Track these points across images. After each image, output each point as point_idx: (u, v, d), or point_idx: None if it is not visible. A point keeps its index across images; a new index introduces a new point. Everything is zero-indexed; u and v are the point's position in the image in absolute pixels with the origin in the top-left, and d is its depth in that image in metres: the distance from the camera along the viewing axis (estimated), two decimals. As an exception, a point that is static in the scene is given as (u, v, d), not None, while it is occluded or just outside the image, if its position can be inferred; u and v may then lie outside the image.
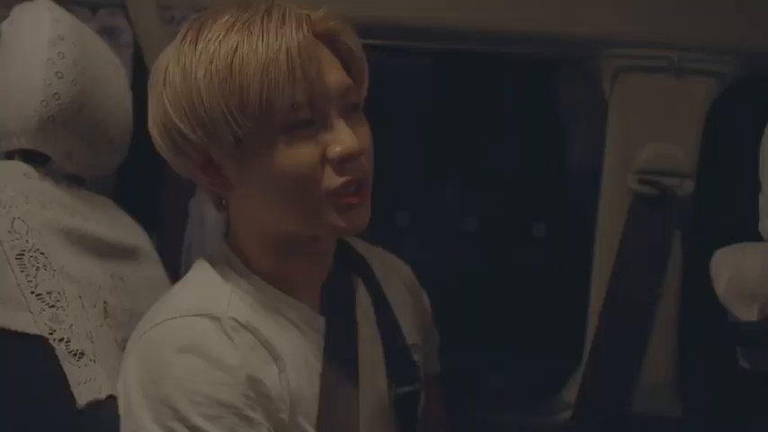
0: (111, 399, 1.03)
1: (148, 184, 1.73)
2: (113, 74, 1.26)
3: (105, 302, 1.14)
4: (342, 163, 0.99)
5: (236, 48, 0.96)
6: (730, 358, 1.40)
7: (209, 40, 0.98)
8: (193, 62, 0.98)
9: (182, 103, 0.99)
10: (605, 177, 1.70)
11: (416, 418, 1.19)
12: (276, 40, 0.96)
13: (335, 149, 0.99)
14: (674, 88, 1.63)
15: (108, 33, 1.64)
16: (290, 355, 1.05)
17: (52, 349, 1.01)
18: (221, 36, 0.97)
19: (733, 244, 1.43)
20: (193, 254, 1.65)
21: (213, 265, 1.10)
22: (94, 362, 1.04)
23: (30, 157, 1.17)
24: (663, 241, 1.66)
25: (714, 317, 1.44)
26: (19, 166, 1.15)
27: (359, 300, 1.18)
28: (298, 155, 0.99)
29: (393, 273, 1.28)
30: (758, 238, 1.23)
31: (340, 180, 1.00)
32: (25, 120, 1.13)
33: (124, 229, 1.30)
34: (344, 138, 0.99)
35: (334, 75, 1.01)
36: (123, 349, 1.11)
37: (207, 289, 1.06)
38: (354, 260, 1.22)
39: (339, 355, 1.10)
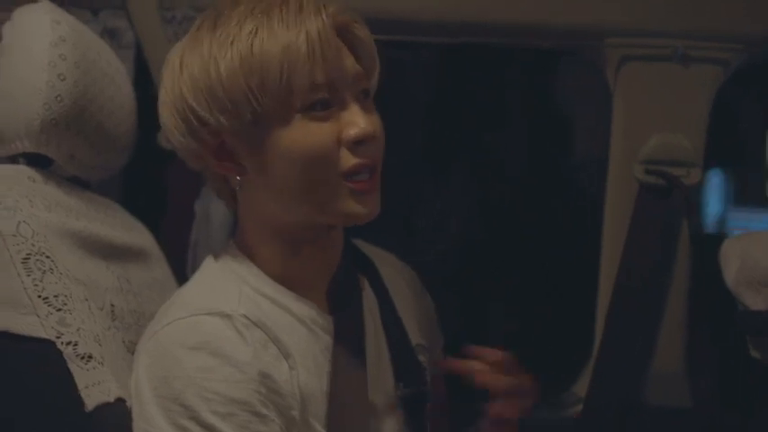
0: (120, 401, 1.02)
1: (153, 185, 1.73)
2: (115, 75, 1.26)
3: (112, 305, 1.14)
4: (356, 145, 1.02)
5: (257, 31, 0.99)
6: (740, 348, 1.40)
7: (228, 25, 1.01)
8: (212, 45, 1.01)
9: (199, 86, 1.01)
10: (611, 168, 1.69)
11: (424, 417, 1.19)
12: (295, 24, 0.99)
13: (351, 131, 1.01)
14: (678, 77, 1.62)
15: (110, 35, 1.64)
16: (300, 353, 1.05)
17: (60, 353, 1.01)
18: (240, 21, 1.00)
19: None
20: (199, 254, 1.65)
21: (222, 263, 1.10)
22: (102, 365, 1.04)
23: (33, 160, 1.17)
24: (670, 231, 1.65)
25: (724, 306, 1.43)
26: (23, 170, 1.15)
27: (365, 300, 1.18)
28: (314, 135, 1.01)
29: (397, 274, 1.28)
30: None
31: (354, 160, 1.02)
32: (28, 122, 1.13)
33: (129, 231, 1.30)
34: (359, 120, 1.02)
35: (349, 61, 1.04)
36: (131, 351, 1.11)
37: (217, 287, 1.06)
38: (360, 260, 1.22)
39: (348, 354, 1.10)
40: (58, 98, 1.13)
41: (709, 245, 1.51)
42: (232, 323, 1.00)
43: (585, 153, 2.19)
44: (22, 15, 1.19)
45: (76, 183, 1.24)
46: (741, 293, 1.37)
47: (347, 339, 1.11)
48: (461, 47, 1.76)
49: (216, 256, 1.12)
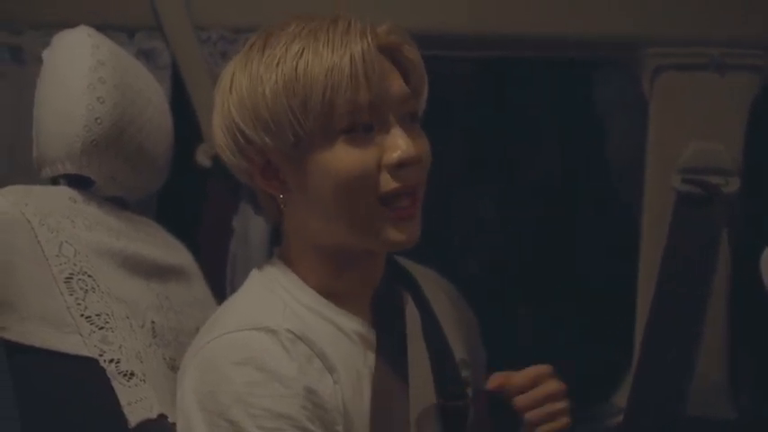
0: (162, 417, 1.04)
1: (188, 202, 1.75)
2: (153, 96, 1.28)
3: (153, 322, 1.15)
4: (398, 169, 1.01)
5: (302, 52, 1.00)
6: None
7: (276, 46, 1.02)
8: (260, 67, 1.02)
9: (246, 106, 1.02)
10: (648, 177, 1.68)
11: None
12: (341, 46, 0.99)
13: (393, 155, 1.01)
14: (715, 85, 1.61)
15: (146, 56, 1.67)
16: (344, 367, 1.05)
17: (102, 370, 1.02)
18: (288, 42, 1.01)
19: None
20: (238, 270, 1.66)
21: (266, 276, 1.11)
22: (144, 381, 1.05)
23: (75, 181, 1.18)
24: (710, 240, 1.63)
25: (765, 315, 1.41)
26: (64, 191, 1.17)
27: (408, 316, 1.18)
28: (355, 157, 1.01)
29: (439, 289, 1.27)
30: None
31: (392, 184, 1.01)
32: (69, 145, 1.15)
33: (168, 249, 1.31)
34: (402, 143, 1.01)
35: (395, 83, 1.04)
36: (171, 368, 1.12)
37: (262, 302, 1.07)
38: (402, 276, 1.22)
39: (391, 369, 1.10)
40: (98, 120, 1.15)
41: (749, 253, 1.49)
42: (277, 338, 1.00)
43: (622, 163, 2.18)
44: (61, 40, 1.20)
45: (116, 202, 1.25)
46: (782, 303, 1.35)
47: (390, 355, 1.11)
48: (497, 59, 1.77)
49: (260, 269, 1.13)
